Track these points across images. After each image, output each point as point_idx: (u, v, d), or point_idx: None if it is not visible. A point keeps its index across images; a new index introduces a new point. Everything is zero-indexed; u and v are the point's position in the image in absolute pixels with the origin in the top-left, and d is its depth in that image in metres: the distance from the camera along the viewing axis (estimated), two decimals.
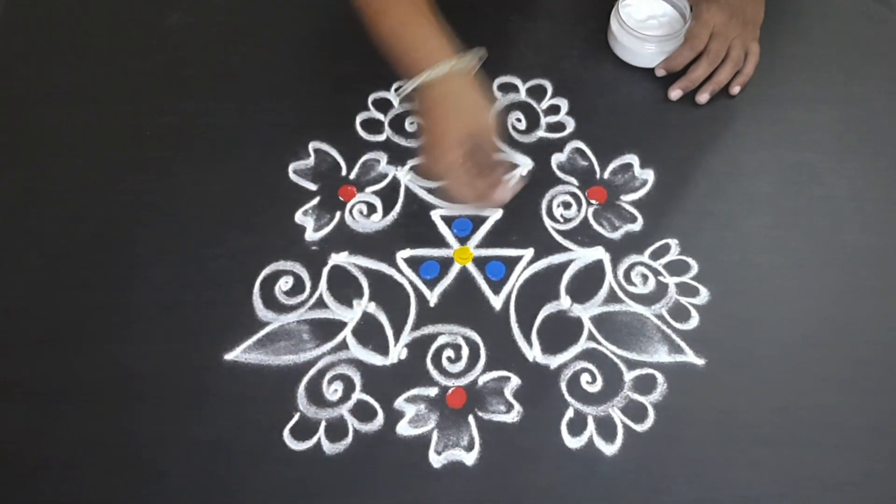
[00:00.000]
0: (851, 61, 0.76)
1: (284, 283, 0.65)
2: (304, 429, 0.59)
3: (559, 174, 0.70)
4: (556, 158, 0.71)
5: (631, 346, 0.62)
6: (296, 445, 0.58)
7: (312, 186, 0.69)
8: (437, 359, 0.62)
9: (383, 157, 0.71)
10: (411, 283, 0.65)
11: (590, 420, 0.59)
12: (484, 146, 0.61)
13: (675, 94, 0.72)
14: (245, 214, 0.68)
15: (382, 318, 0.63)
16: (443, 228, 0.67)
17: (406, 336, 0.63)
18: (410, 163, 0.70)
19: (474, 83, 0.61)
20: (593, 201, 0.68)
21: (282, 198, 0.69)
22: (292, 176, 0.70)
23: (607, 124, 0.72)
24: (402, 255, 0.66)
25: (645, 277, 0.65)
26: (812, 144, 0.71)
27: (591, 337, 0.62)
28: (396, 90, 0.63)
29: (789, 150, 0.71)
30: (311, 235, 0.67)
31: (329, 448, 0.58)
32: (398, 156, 0.71)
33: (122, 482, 0.57)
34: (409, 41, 0.61)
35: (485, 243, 0.66)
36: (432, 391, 0.60)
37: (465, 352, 0.62)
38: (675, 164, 0.70)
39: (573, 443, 0.58)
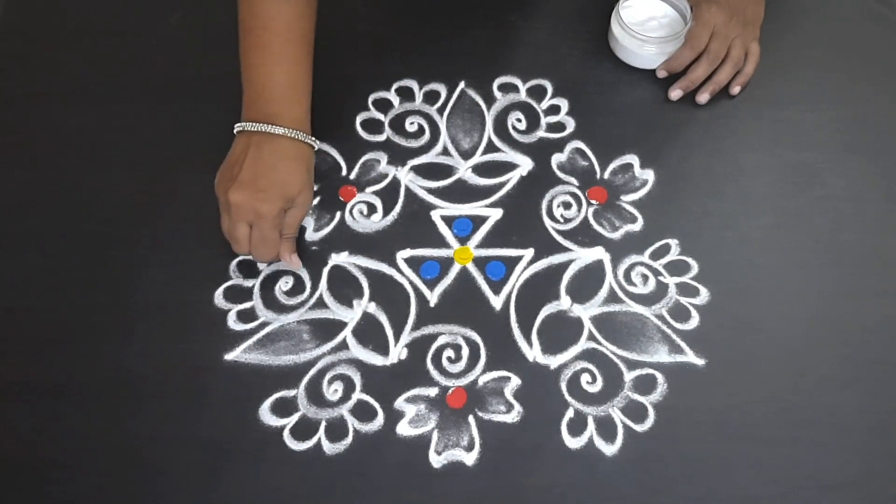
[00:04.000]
0: (851, 61, 0.76)
1: (284, 283, 0.65)
2: (304, 429, 0.59)
3: (559, 174, 0.70)
4: (557, 158, 0.71)
5: (631, 346, 0.62)
6: (296, 445, 0.58)
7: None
8: (437, 359, 0.62)
9: (383, 157, 0.71)
10: (411, 283, 0.65)
11: (590, 420, 0.59)
12: (295, 214, 0.63)
13: (675, 94, 0.72)
14: None
15: (382, 318, 0.63)
16: (443, 228, 0.67)
17: (406, 336, 0.63)
18: (411, 162, 0.70)
19: (313, 161, 0.65)
20: (593, 201, 0.68)
21: None
22: None
23: (607, 124, 0.72)
24: (402, 255, 0.66)
25: (645, 277, 0.65)
26: (812, 144, 0.71)
27: (592, 337, 0.62)
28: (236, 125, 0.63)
29: (789, 150, 0.71)
30: (311, 235, 0.67)
31: (329, 448, 0.58)
32: (398, 156, 0.71)
33: (122, 482, 0.57)
34: (280, 93, 0.62)
35: (485, 243, 0.66)
36: (432, 391, 0.60)
37: (465, 352, 0.62)
38: (675, 164, 0.70)
39: (573, 443, 0.58)
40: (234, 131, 0.63)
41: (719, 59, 0.72)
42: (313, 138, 0.64)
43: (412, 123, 0.73)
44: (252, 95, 0.63)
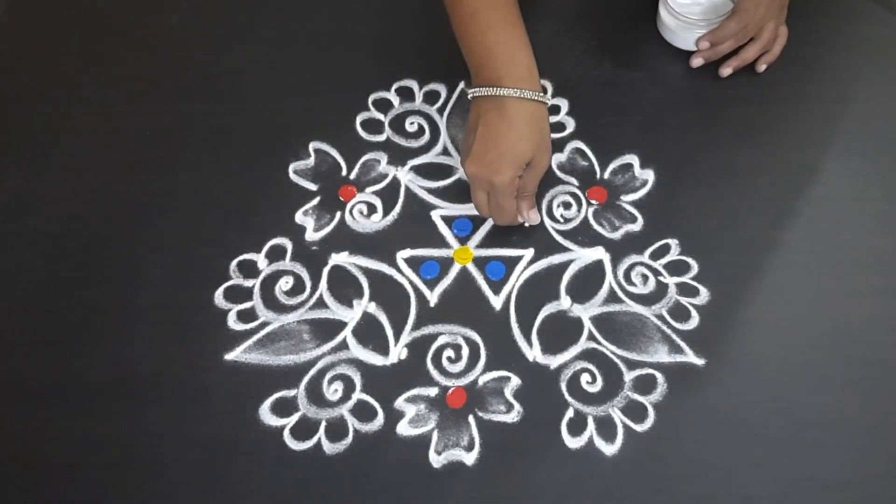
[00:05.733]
0: (851, 61, 0.76)
1: (284, 283, 0.65)
2: (304, 429, 0.59)
3: (559, 174, 0.70)
4: (556, 158, 0.71)
5: (631, 346, 0.62)
6: (296, 445, 0.58)
7: (312, 186, 0.69)
8: (437, 359, 0.62)
9: (383, 158, 0.71)
10: (411, 283, 0.65)
11: (590, 420, 0.59)
12: (534, 172, 0.62)
13: (696, 62, 0.73)
14: (245, 214, 0.68)
15: (382, 318, 0.63)
16: (443, 228, 0.67)
17: (406, 336, 0.63)
18: (411, 162, 0.70)
19: (547, 117, 0.63)
20: (593, 201, 0.68)
21: (282, 198, 0.69)
22: (292, 176, 0.70)
23: (607, 124, 0.72)
24: (402, 255, 0.66)
25: (645, 277, 0.65)
26: (812, 144, 0.71)
27: (591, 337, 0.62)
28: (464, 89, 0.62)
29: (789, 150, 0.71)
30: (311, 235, 0.67)
31: (329, 448, 0.58)
32: (398, 156, 0.71)
33: (122, 482, 0.58)
34: (500, 55, 0.61)
35: (485, 243, 0.66)
36: (432, 391, 0.60)
37: (465, 352, 0.62)
38: (675, 164, 0.70)
39: (573, 443, 0.58)
40: (469, 97, 0.62)
41: (749, 38, 0.72)
42: (541, 94, 0.61)
43: (412, 123, 0.73)
44: (474, 64, 0.63)
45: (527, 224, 0.66)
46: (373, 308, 0.64)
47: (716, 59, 0.73)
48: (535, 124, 0.61)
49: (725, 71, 0.73)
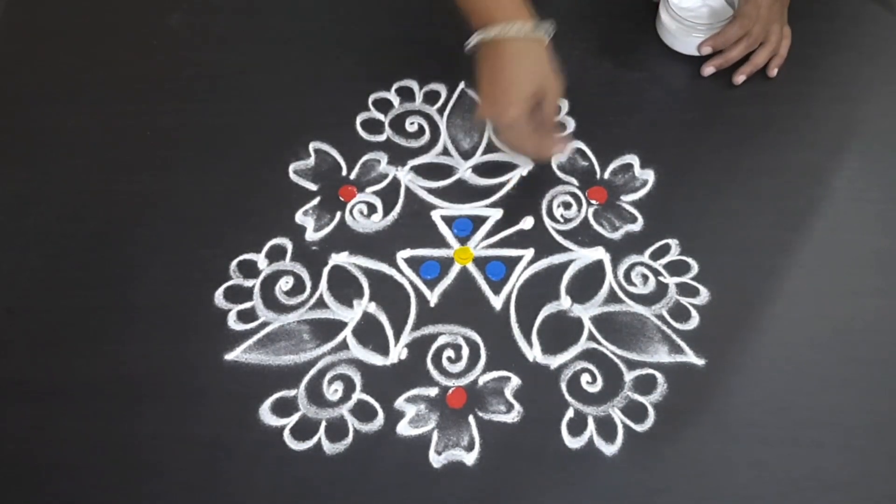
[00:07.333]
0: (851, 61, 0.76)
1: (285, 283, 0.65)
2: (304, 429, 0.59)
3: (559, 174, 0.70)
4: (557, 158, 0.71)
5: (631, 346, 0.62)
6: (296, 445, 0.58)
7: (312, 186, 0.69)
8: (437, 359, 0.62)
9: (383, 158, 0.71)
10: (411, 283, 0.65)
11: (590, 420, 0.59)
12: (547, 105, 0.63)
13: (708, 70, 0.73)
14: (245, 214, 0.68)
15: (383, 318, 0.63)
16: (443, 228, 0.67)
17: (406, 336, 0.63)
18: (411, 162, 0.70)
19: (545, 47, 0.63)
20: (593, 201, 0.68)
21: (282, 198, 0.69)
22: (292, 176, 0.70)
23: (607, 124, 0.72)
24: (403, 255, 0.66)
25: (645, 278, 0.65)
26: (812, 144, 0.71)
27: (592, 337, 0.62)
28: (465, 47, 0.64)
29: (789, 150, 0.71)
30: (311, 235, 0.67)
31: (329, 448, 0.58)
32: (398, 156, 0.71)
33: (122, 482, 0.57)
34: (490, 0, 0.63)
35: (485, 243, 0.66)
36: (432, 391, 0.60)
37: (466, 352, 0.62)
38: (675, 164, 0.70)
39: (573, 443, 0.58)
40: (468, 49, 0.63)
41: (758, 43, 0.72)
42: (530, 27, 0.61)
43: (412, 123, 0.73)
44: (467, 14, 0.64)
45: (561, 154, 0.68)
46: (373, 308, 0.64)
47: (727, 67, 0.73)
48: (532, 57, 0.62)
49: (739, 78, 0.73)
